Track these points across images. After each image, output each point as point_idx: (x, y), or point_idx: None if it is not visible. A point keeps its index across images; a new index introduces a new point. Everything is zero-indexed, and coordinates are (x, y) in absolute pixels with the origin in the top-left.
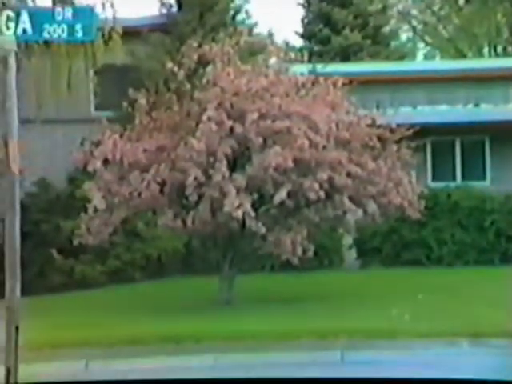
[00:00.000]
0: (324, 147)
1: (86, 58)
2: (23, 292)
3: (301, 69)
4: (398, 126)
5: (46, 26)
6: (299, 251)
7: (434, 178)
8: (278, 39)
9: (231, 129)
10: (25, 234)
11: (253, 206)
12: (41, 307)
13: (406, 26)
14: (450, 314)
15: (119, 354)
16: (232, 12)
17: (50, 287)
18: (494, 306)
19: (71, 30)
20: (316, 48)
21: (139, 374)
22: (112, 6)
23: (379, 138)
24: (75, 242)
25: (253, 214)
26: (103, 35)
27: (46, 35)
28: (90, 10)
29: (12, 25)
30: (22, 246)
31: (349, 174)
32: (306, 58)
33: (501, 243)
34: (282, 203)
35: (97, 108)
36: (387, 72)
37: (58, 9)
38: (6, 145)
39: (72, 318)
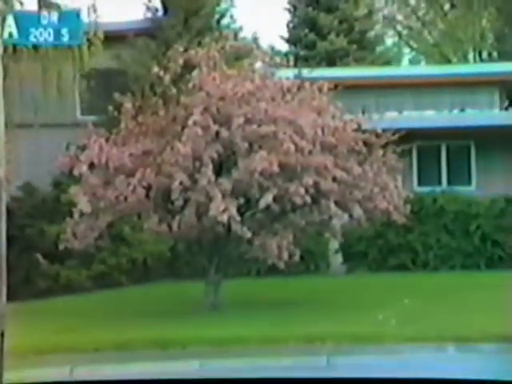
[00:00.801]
0: (310, 152)
1: (72, 63)
2: (9, 297)
3: (286, 73)
4: (384, 130)
5: (33, 30)
6: (285, 256)
7: (420, 183)
8: (264, 44)
9: (217, 133)
10: (10, 239)
11: (238, 210)
12: (26, 312)
13: (391, 31)
14: (436, 319)
15: (105, 360)
16: (217, 16)
17: (35, 292)
18: (480, 311)
19: (57, 34)
20: (302, 53)
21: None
22: (94, 10)
23: (365, 143)
24: (61, 247)
25: (238, 218)
26: (88, 40)
27: (32, 39)
28: (75, 15)
29: None
30: (8, 250)
31: (334, 179)
32: (291, 62)
33: (486, 248)
34: (267, 207)
35: (83, 112)
36: (373, 77)
37: (44, 13)
38: None
39: (57, 324)
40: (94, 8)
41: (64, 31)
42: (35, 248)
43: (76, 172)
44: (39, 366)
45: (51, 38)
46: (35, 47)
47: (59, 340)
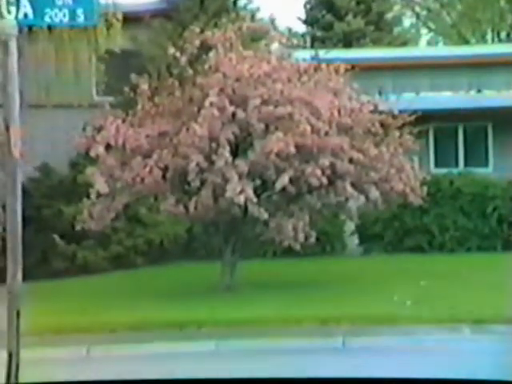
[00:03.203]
0: (326, 133)
1: (88, 44)
2: (25, 277)
3: (303, 55)
4: (401, 112)
5: (48, 10)
6: (301, 237)
7: (437, 165)
8: (281, 25)
9: (233, 114)
10: (27, 219)
11: (255, 191)
12: (43, 292)
13: (409, 12)
14: (452, 300)
15: (121, 340)
16: None
17: (52, 272)
18: (496, 293)
19: (73, 14)
20: (318, 34)
21: (141, 360)
22: None
23: (381, 124)
24: (77, 228)
25: (255, 199)
26: (106, 21)
27: (47, 20)
28: None
29: (13, 9)
30: (24, 231)
31: (351, 160)
32: (308, 43)
33: (503, 229)
34: (283, 189)
35: (99, 93)
36: (390, 58)
37: None
38: (7, 129)
39: (74, 304)
40: None
41: (79, 12)
42: (52, 228)
43: (93, 153)
44: (57, 345)
45: (66, 19)
46: (50, 28)
47: (76, 320)
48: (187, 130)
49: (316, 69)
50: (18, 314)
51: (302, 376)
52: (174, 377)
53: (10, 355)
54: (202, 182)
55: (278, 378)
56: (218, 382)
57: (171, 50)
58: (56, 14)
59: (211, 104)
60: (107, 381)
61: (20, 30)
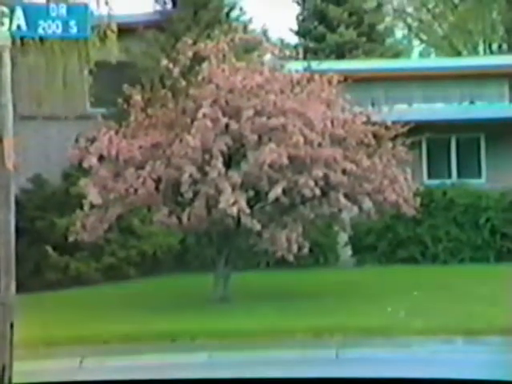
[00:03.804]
0: (319, 144)
1: (80, 55)
2: (18, 289)
3: (296, 66)
4: (394, 123)
5: (41, 22)
6: (294, 248)
7: (430, 176)
8: (273, 36)
9: (226, 126)
10: (20, 231)
11: (248, 203)
12: (36, 304)
13: (401, 24)
14: (445, 312)
15: (114, 352)
16: (226, 9)
17: (45, 284)
18: (489, 304)
19: (66, 26)
20: (311, 45)
21: (134, 372)
22: (106, 3)
23: (374, 136)
24: (70, 239)
25: (248, 210)
26: (99, 32)
27: (40, 31)
28: (83, 7)
29: (6, 21)
30: (18, 242)
31: (344, 171)
32: (300, 55)
33: (496, 241)
34: (277, 200)
35: (92, 105)
36: (382, 69)
37: (53, 5)
38: (0, 141)
39: (67, 316)
40: (105, 1)
41: (72, 23)
42: (45, 240)
43: (86, 164)
44: (49, 357)
45: (59, 31)
46: (42, 39)
47: (69, 332)
48: (180, 141)
49: (309, 80)
50: (11, 325)
51: (301, 376)
52: (174, 377)
53: (3, 368)
54: (195, 194)
55: (278, 378)
56: (217, 382)
57: (164, 62)
58: (49, 26)
59: (204, 115)
60: (107, 381)
61: (14, 42)
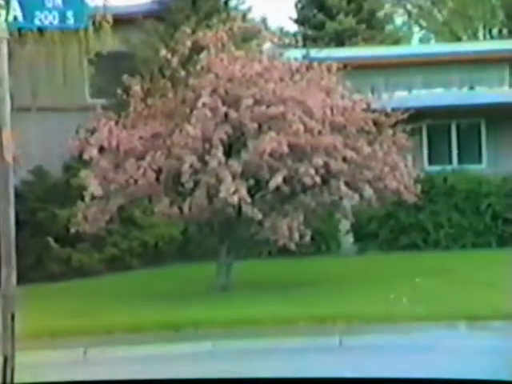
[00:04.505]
0: (319, 132)
1: (79, 46)
2: (21, 280)
3: (295, 54)
4: (394, 110)
5: (37, 13)
6: (296, 236)
7: (431, 162)
8: (272, 25)
9: (226, 115)
10: (21, 223)
11: (249, 191)
12: (38, 296)
13: (400, 10)
14: (448, 297)
15: (118, 342)
16: None
17: (47, 276)
18: (492, 289)
19: (62, 16)
20: (310, 33)
21: (137, 362)
22: None
23: (374, 123)
24: (72, 230)
25: (249, 199)
26: (94, 23)
27: (37, 22)
28: None
29: (2, 12)
30: (19, 234)
31: (344, 159)
32: (300, 43)
33: (497, 226)
34: (277, 189)
35: (92, 96)
36: (382, 56)
37: None
38: None
39: (70, 306)
40: None
41: (69, 14)
42: (47, 232)
43: (86, 155)
44: (53, 347)
45: (56, 21)
46: (40, 30)
47: (72, 322)
48: (180, 131)
49: (308, 68)
50: (12, 317)
51: (302, 376)
52: (174, 377)
53: (5, 359)
54: (196, 183)
55: (278, 378)
56: (217, 382)
57: (163, 52)
58: (46, 17)
59: (204, 105)
60: (107, 381)
61: (11, 33)
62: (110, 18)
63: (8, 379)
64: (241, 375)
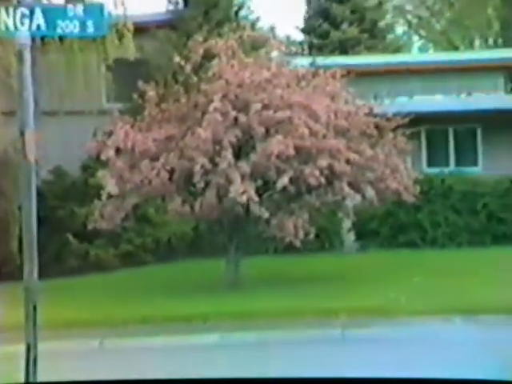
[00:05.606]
0: (324, 136)
1: (98, 53)
2: (41, 275)
3: (301, 61)
4: (394, 115)
5: (59, 22)
6: (301, 234)
7: (429, 164)
8: (280, 33)
9: (236, 119)
10: (42, 220)
11: (257, 191)
12: (58, 289)
13: (401, 20)
14: (445, 292)
15: (132, 333)
16: (235, 8)
17: (66, 270)
18: (486, 285)
19: (83, 25)
20: (316, 42)
21: (150, 352)
22: (123, 3)
23: (376, 127)
24: (89, 227)
25: (257, 199)
26: (117, 31)
27: (59, 31)
28: (100, 7)
29: (26, 21)
30: (40, 231)
31: (348, 161)
32: (306, 51)
33: (492, 225)
34: (284, 189)
35: (109, 100)
36: (384, 64)
37: (70, 6)
38: (22, 135)
39: (87, 300)
40: (122, 1)
41: (89, 23)
42: (66, 228)
43: (103, 156)
44: (71, 338)
45: (77, 30)
46: (61, 39)
47: (88, 315)
48: (192, 134)
49: (314, 74)
50: (34, 308)
51: (301, 376)
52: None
53: (28, 347)
54: (207, 183)
55: (278, 378)
56: (217, 382)
57: (176, 59)
58: (67, 26)
59: (215, 109)
60: (107, 381)
61: (33, 41)
62: (131, 27)
63: (31, 366)
64: (243, 374)
